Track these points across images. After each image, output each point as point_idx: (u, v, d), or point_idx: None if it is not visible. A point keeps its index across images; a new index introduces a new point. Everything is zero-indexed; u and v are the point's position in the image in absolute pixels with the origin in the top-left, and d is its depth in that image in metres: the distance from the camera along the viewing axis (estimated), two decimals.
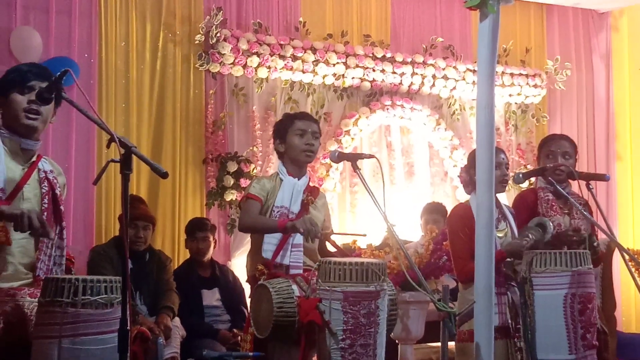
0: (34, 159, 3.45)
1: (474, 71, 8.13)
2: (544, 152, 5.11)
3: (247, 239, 4.50)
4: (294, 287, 4.04)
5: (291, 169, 4.44)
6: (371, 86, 7.89)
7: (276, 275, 4.17)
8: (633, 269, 5.12)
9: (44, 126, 3.43)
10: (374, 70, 7.81)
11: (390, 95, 8.00)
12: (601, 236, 5.03)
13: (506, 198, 5.82)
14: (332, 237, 4.52)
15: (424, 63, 8.12)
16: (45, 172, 3.45)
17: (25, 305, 3.28)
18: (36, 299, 3.23)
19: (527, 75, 8.73)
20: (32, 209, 3.21)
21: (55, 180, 3.48)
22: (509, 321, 4.45)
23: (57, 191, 3.47)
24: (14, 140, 3.38)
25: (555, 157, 5.03)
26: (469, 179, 4.68)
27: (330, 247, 4.60)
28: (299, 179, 4.42)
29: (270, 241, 4.25)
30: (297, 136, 4.41)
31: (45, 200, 3.40)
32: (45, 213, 3.38)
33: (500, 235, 4.65)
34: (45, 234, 3.20)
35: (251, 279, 4.36)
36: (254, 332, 4.15)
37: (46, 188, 3.42)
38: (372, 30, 8.12)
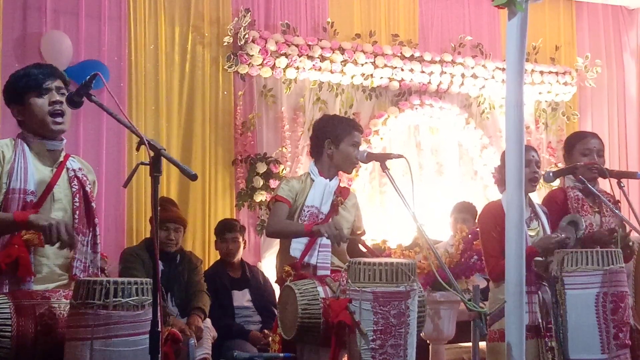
0: (61, 158, 3.46)
1: (503, 69, 8.08)
2: (579, 149, 5.02)
3: (277, 240, 4.52)
4: (320, 288, 4.05)
5: (325, 170, 4.44)
6: (400, 86, 7.87)
7: (303, 276, 4.18)
8: None
9: (69, 124, 3.45)
10: (402, 70, 7.78)
11: (419, 95, 7.97)
12: (633, 234, 4.98)
13: (537, 197, 5.78)
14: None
15: (453, 62, 8.08)
16: (74, 170, 3.46)
17: (62, 307, 3.27)
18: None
19: (557, 73, 8.66)
20: (60, 220, 3.20)
21: (85, 178, 3.49)
22: (539, 320, 4.42)
23: (88, 188, 3.48)
24: (40, 143, 3.40)
25: (592, 155, 4.97)
26: (500, 177, 4.65)
27: (361, 247, 4.60)
28: (330, 180, 4.42)
29: (300, 240, 4.26)
30: (353, 147, 4.40)
31: (77, 199, 3.41)
32: (77, 212, 3.40)
33: (532, 234, 4.61)
34: (73, 246, 3.23)
35: (279, 280, 4.37)
36: (281, 332, 4.16)
37: (76, 187, 3.43)
38: (400, 29, 8.10)
